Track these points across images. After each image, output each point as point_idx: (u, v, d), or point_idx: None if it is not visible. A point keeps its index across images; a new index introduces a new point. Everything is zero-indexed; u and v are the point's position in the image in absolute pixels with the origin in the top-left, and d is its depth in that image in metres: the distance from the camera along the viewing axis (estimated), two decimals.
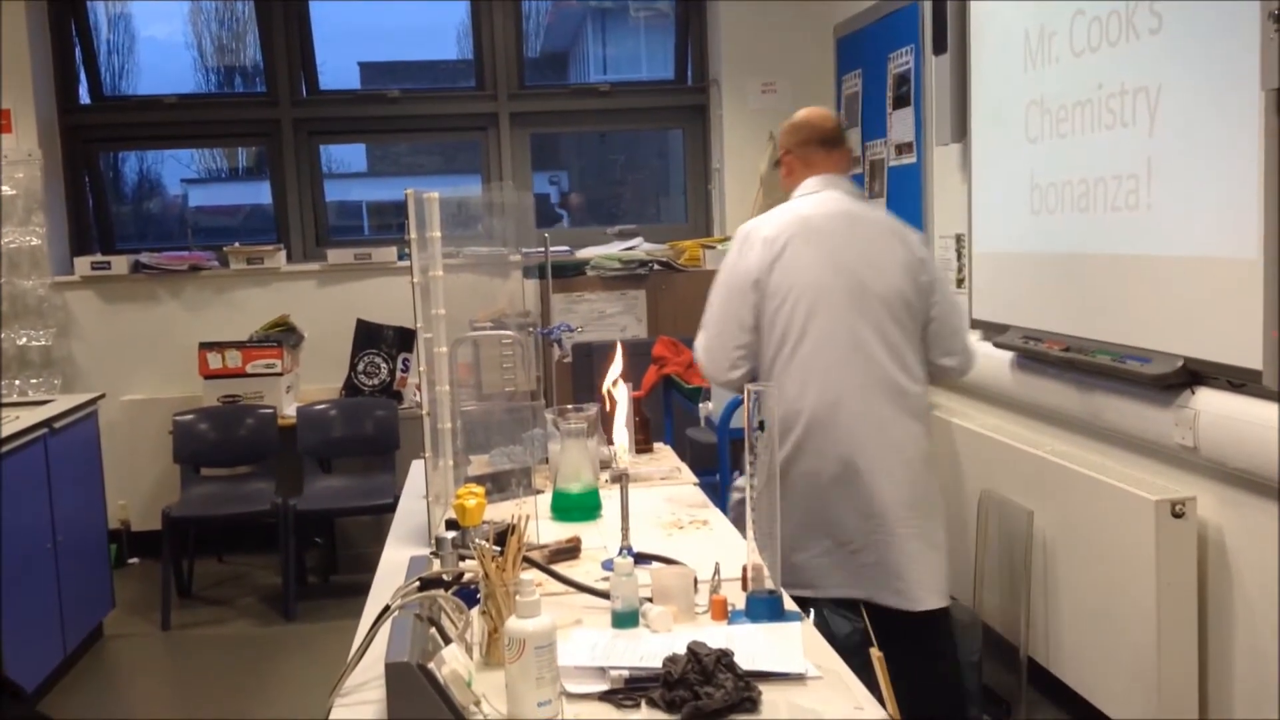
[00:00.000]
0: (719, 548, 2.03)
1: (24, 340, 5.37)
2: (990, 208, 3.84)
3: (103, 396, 4.53)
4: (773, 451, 1.71)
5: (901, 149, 4.70)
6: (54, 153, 5.55)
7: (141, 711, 3.83)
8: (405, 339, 5.27)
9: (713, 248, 5.50)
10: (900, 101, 4.68)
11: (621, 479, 1.91)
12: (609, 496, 2.48)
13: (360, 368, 5.27)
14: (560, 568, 1.93)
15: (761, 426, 1.66)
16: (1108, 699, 3.12)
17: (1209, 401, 2.73)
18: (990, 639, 3.73)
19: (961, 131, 4.05)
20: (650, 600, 1.68)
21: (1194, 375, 2.78)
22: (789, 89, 5.72)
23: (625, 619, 1.65)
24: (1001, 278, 3.78)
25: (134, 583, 5.00)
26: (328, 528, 5.23)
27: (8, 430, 3.64)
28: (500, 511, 2.23)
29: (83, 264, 5.44)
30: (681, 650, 1.44)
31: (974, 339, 3.80)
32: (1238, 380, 2.63)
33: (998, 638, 3.68)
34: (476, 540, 1.55)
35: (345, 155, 6.63)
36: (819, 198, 2.96)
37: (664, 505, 2.35)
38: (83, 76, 5.73)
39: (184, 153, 6.20)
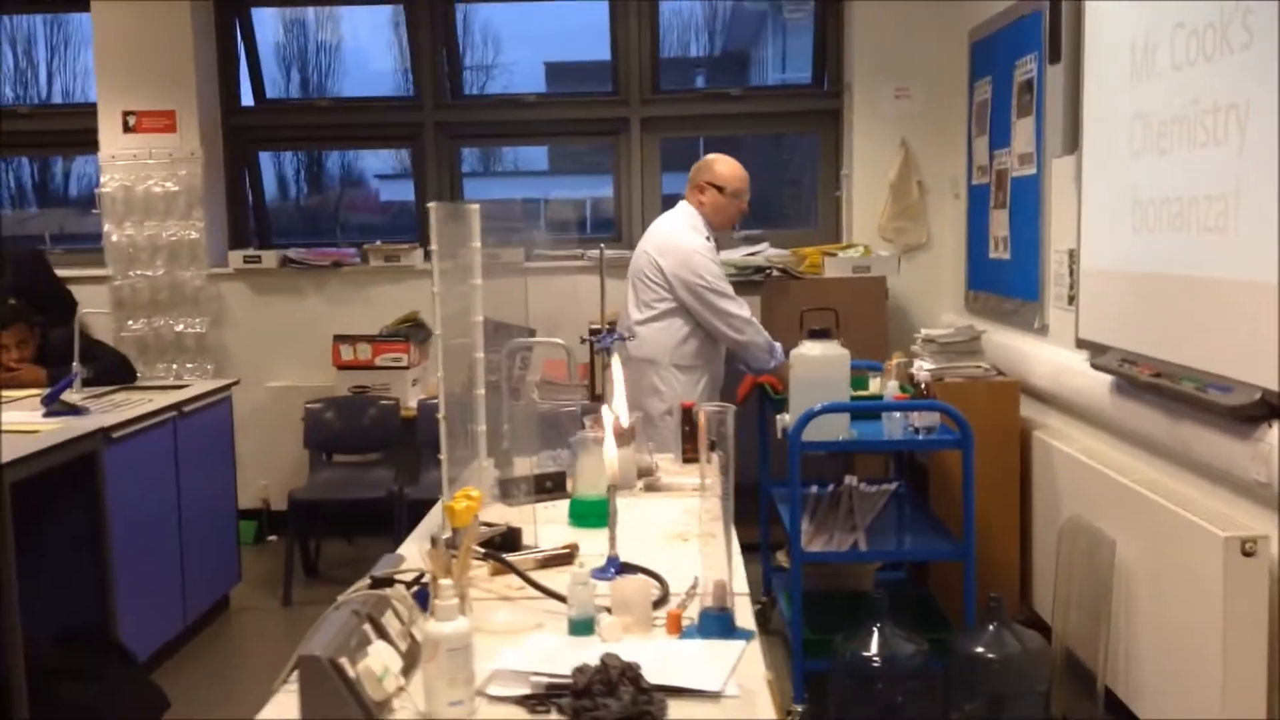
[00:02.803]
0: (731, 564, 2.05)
1: (181, 327, 5.77)
2: (1098, 223, 3.71)
3: (236, 383, 4.84)
4: (730, 470, 1.74)
5: (1024, 159, 4.58)
6: (216, 151, 5.94)
7: (250, 681, 4.08)
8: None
9: (834, 255, 5.46)
10: (1025, 110, 4.56)
11: (609, 490, 1.97)
12: (635, 505, 2.54)
13: (495, 367, 5.44)
14: (552, 574, 2.00)
15: (713, 446, 1.69)
16: None
17: None
18: (1073, 668, 3.62)
19: (1074, 143, 3.93)
20: (609, 610, 1.73)
21: (1274, 408, 2.65)
22: (922, 94, 5.63)
23: (580, 626, 1.71)
24: (1106, 297, 3.65)
25: (267, 559, 5.31)
26: None
27: (138, 412, 3.94)
28: (512, 516, 2.32)
29: (236, 257, 5.80)
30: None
31: (1078, 360, 3.70)
32: None
33: (1080, 667, 3.57)
34: (430, 546, 1.63)
35: (531, 156, 6.86)
36: None
37: (681, 516, 2.39)
38: (247, 78, 6.11)
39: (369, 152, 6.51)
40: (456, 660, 1.40)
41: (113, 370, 4.54)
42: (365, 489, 5.01)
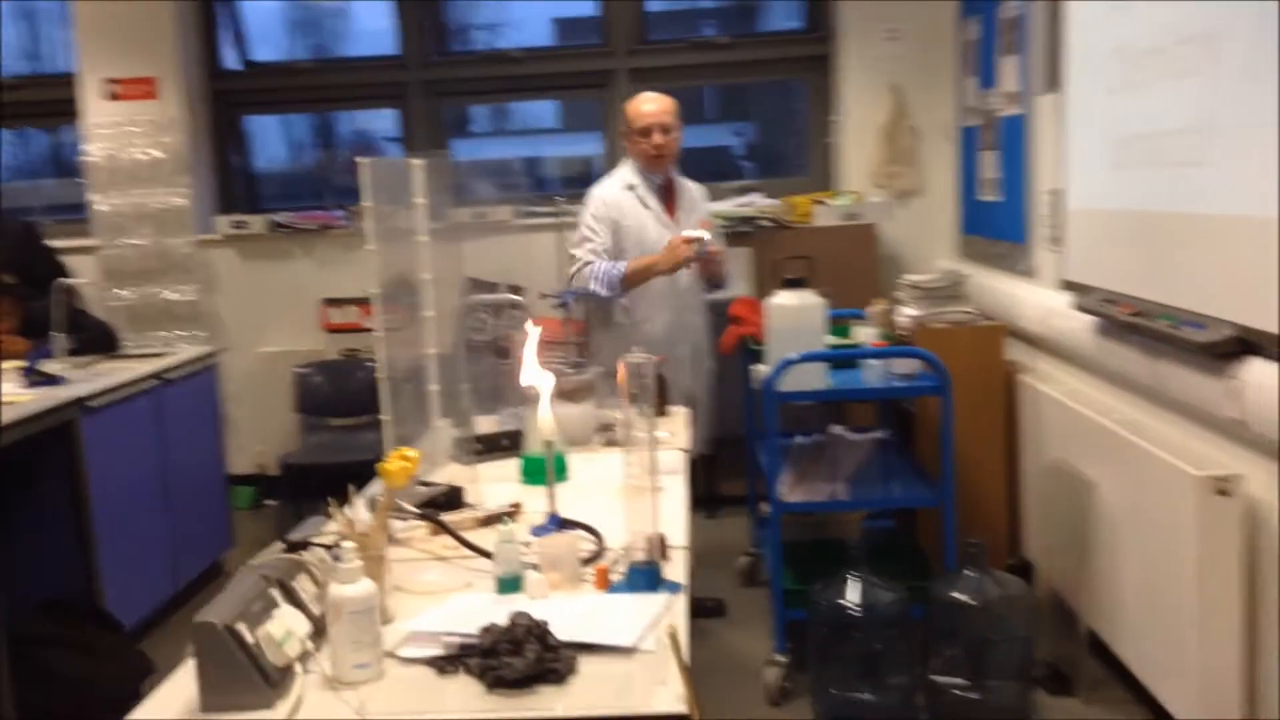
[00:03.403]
0: (662, 516, 2.02)
1: (171, 295, 5.76)
2: (1081, 162, 3.63)
3: (222, 350, 4.82)
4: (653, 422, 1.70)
5: (1010, 99, 4.49)
6: (201, 117, 5.89)
7: None
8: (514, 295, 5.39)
9: (824, 203, 5.39)
10: (1011, 48, 4.47)
11: (546, 447, 1.94)
12: (593, 460, 2.51)
13: (469, 324, 5.42)
14: (493, 534, 1.97)
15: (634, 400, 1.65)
16: (1155, 678, 2.97)
17: (1260, 372, 2.54)
18: (1059, 612, 3.59)
19: (1055, 80, 3.85)
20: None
21: (1247, 345, 2.59)
22: (912, 37, 5.52)
23: (507, 585, 1.68)
24: (1088, 237, 3.58)
25: (262, 524, 5.32)
26: None
27: (117, 380, 3.94)
28: (468, 476, 2.30)
29: (223, 223, 5.77)
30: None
31: (1064, 302, 3.63)
32: None
33: (1066, 611, 3.54)
34: (339, 508, 1.61)
35: (542, 111, 6.76)
36: None
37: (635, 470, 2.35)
38: (230, 43, 6.05)
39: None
40: (360, 623, 1.37)
41: (96, 340, 4.53)
42: (357, 452, 5.00)
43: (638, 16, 5.88)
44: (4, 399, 3.58)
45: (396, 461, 1.95)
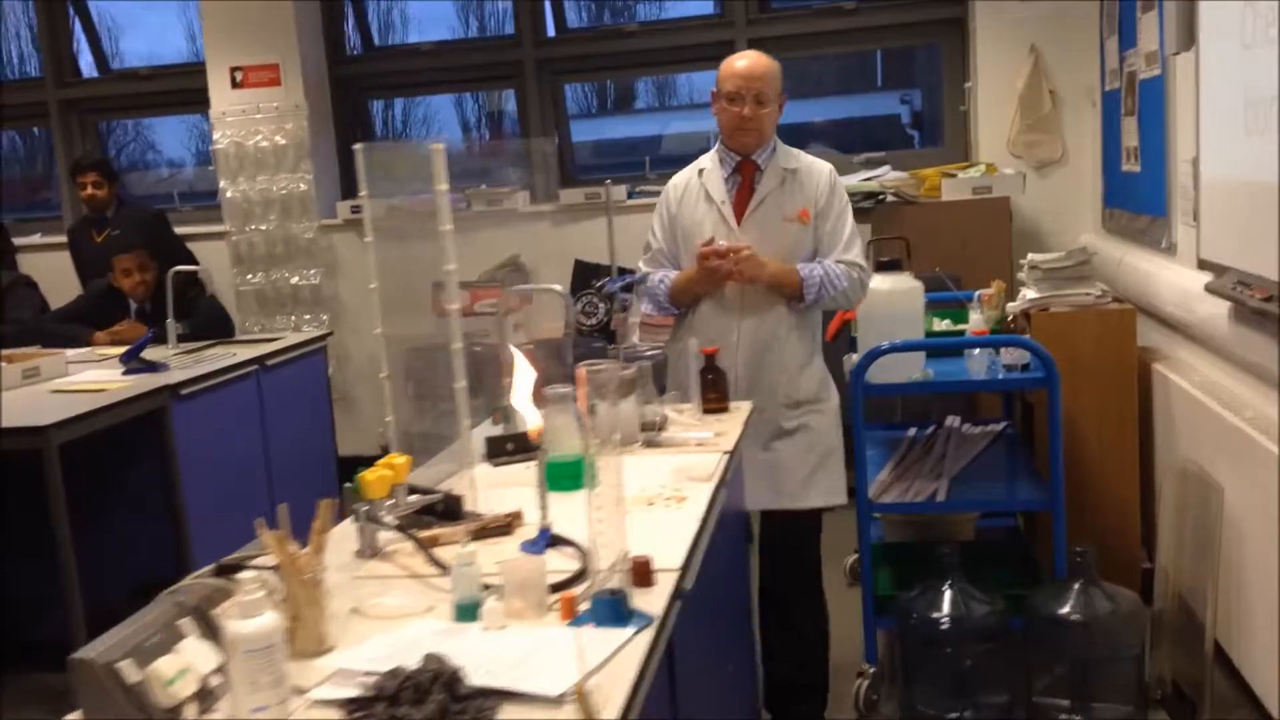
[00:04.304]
0: (667, 531, 1.84)
1: (296, 280, 5.83)
2: (1215, 128, 3.26)
3: (329, 334, 4.84)
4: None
5: (1150, 59, 4.08)
6: (323, 103, 5.94)
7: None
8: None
9: (953, 176, 5.06)
10: (1151, 4, 4.06)
11: (539, 454, 1.78)
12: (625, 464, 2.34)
13: (579, 307, 5.31)
14: (488, 546, 1.84)
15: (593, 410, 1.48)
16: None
17: None
18: (1187, 624, 3.25)
19: (1190, 38, 3.46)
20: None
21: None
22: None
23: (464, 612, 1.54)
24: (1224, 211, 3.22)
25: None
26: None
27: (212, 367, 3.97)
28: (498, 477, 2.16)
29: (343, 208, 5.81)
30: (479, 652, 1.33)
31: (1200, 283, 3.27)
32: None
33: (1194, 623, 3.20)
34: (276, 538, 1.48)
35: (704, 82, 6.56)
36: None
37: (665, 476, 2.17)
38: (353, 28, 6.08)
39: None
40: (257, 662, 1.25)
41: (209, 325, 4.60)
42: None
43: None
44: (97, 386, 3.64)
45: (377, 470, 1.83)
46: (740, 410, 2.67)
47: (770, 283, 2.97)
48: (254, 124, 5.77)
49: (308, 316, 5.85)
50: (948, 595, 2.97)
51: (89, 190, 5.18)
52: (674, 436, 2.45)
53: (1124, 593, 2.94)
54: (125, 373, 3.85)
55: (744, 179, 3.07)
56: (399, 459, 1.89)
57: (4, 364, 3.83)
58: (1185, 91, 3.62)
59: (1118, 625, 2.86)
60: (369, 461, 5.48)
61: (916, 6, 5.61)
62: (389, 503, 1.85)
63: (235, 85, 5.78)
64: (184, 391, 3.75)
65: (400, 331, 5.67)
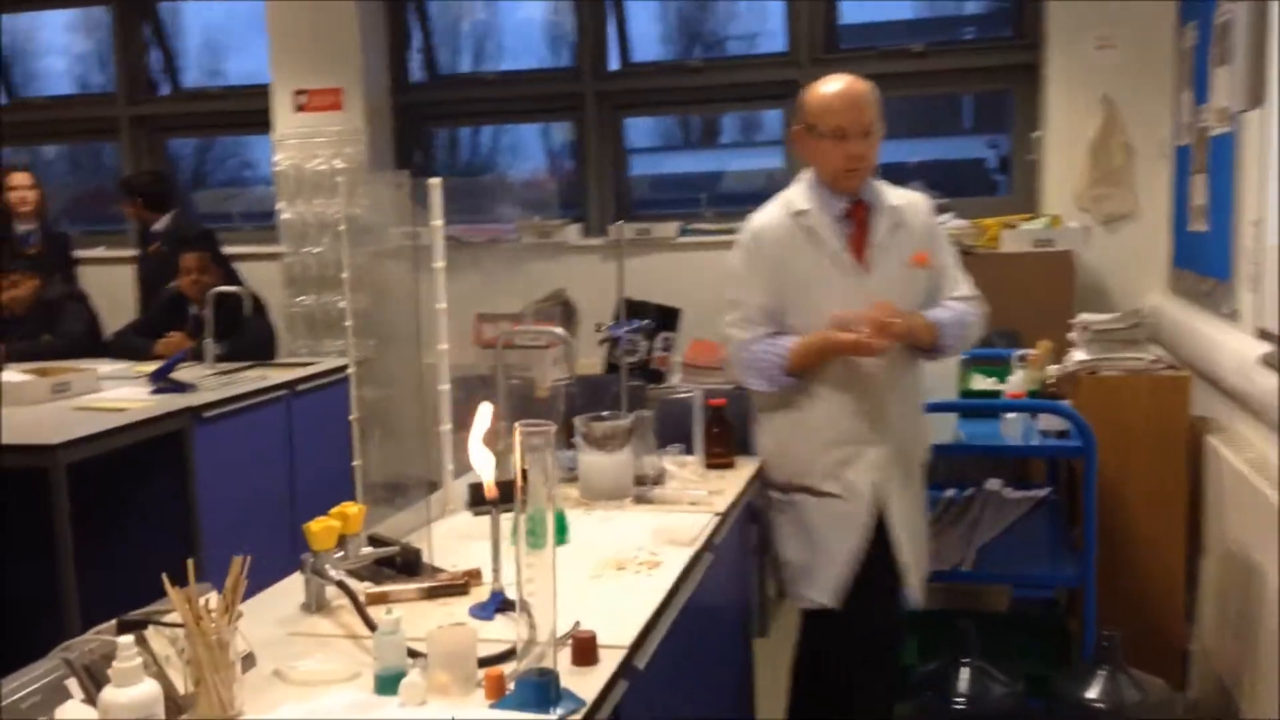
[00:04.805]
0: (629, 601, 1.73)
1: (344, 304, 5.83)
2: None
3: (363, 361, 4.80)
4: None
5: (1220, 116, 3.90)
6: (384, 128, 5.95)
7: None
8: (667, 317, 5.14)
9: (1014, 227, 4.89)
10: (1223, 58, 3.88)
11: (493, 512, 1.69)
12: (607, 520, 2.24)
13: (622, 346, 5.21)
14: (440, 606, 1.75)
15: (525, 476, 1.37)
16: None
17: None
18: (1226, 716, 3.04)
19: (1259, 95, 3.28)
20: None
21: None
22: (1128, 44, 4.94)
23: (386, 684, 1.44)
24: None
25: None
26: None
27: (243, 389, 3.95)
28: (479, 529, 2.07)
29: (395, 235, 5.79)
30: None
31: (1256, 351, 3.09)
32: None
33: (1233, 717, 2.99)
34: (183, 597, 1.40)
35: (773, 121, 6.49)
36: None
37: (642, 536, 2.06)
38: (416, 56, 6.09)
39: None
40: None
41: (251, 346, 4.60)
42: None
43: (825, 24, 5.52)
44: (119, 405, 3.63)
45: (324, 520, 1.75)
46: (746, 467, 2.56)
47: (909, 339, 2.63)
48: (314, 147, 5.79)
49: (355, 341, 5.83)
50: (964, 673, 2.81)
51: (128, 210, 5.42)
52: (667, 493, 2.33)
53: (1154, 682, 2.75)
54: (153, 392, 3.85)
55: (857, 222, 2.66)
56: (352, 508, 1.81)
57: (36, 378, 3.85)
58: (1253, 150, 3.44)
59: (1144, 716, 2.67)
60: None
61: (989, 51, 5.46)
62: (337, 555, 1.77)
63: (298, 108, 5.81)
64: (206, 414, 3.72)
65: (454, 361, 5.63)
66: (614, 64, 5.84)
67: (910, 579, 2.69)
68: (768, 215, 2.72)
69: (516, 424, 1.38)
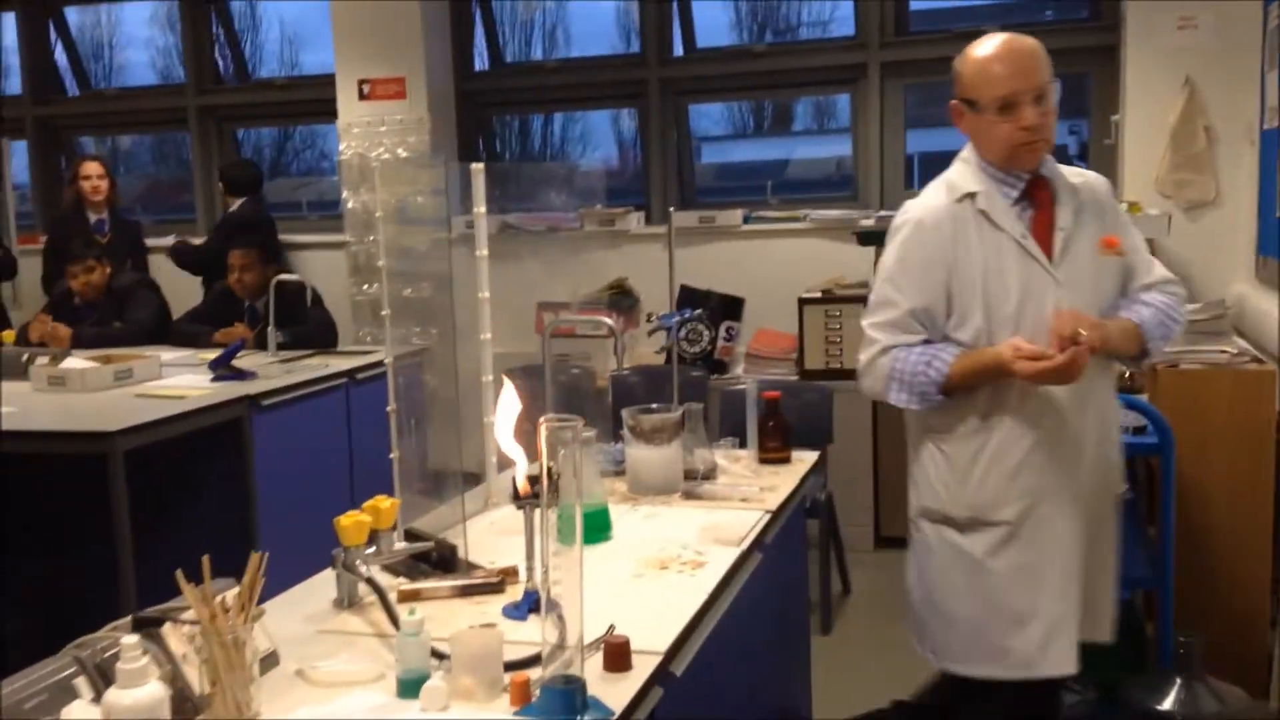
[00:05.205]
0: (669, 603, 1.66)
1: (409, 291, 5.81)
2: None
3: (425, 349, 4.78)
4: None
5: None
6: (447, 117, 5.93)
7: None
8: (731, 307, 5.06)
9: None
10: None
11: (527, 506, 1.63)
12: (654, 516, 2.16)
13: (682, 333, 5.14)
14: (476, 605, 1.69)
15: (550, 473, 1.31)
16: None
17: None
18: None
19: None
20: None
21: None
22: (1210, 24, 4.74)
23: (408, 688, 1.39)
24: None
25: None
26: None
27: (302, 377, 3.95)
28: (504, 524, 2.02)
29: (459, 223, 5.77)
30: None
31: None
32: None
33: None
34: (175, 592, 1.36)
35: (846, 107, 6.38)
36: None
37: (689, 534, 1.99)
38: (482, 44, 6.06)
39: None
40: None
41: (311, 335, 4.60)
42: None
43: (896, 7, 5.39)
44: (179, 392, 3.64)
45: (354, 515, 1.70)
46: (803, 462, 2.46)
47: (1110, 348, 2.22)
48: (378, 136, 5.78)
49: (417, 329, 5.82)
50: None
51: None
52: (717, 489, 2.25)
53: (1233, 691, 2.62)
54: (213, 379, 3.85)
55: (1039, 205, 2.24)
56: (385, 502, 1.75)
57: (99, 365, 3.87)
58: None
59: None
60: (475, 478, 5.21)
61: (1066, 33, 5.28)
62: (369, 550, 1.72)
63: (362, 97, 5.81)
64: (265, 402, 3.72)
65: (502, 349, 5.60)
66: (678, 50, 5.75)
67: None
68: (930, 200, 2.29)
69: (541, 419, 1.31)
